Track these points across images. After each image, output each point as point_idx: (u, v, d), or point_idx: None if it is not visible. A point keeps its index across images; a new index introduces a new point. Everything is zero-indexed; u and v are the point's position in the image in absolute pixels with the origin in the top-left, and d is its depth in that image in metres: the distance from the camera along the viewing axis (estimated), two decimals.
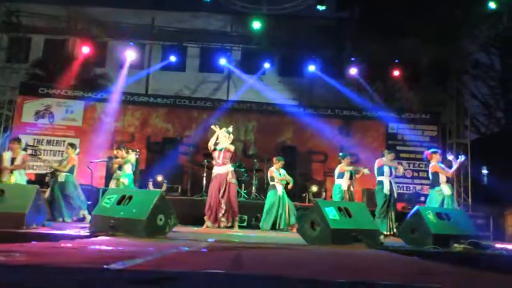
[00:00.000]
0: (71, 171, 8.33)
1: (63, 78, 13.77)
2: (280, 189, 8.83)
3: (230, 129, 8.17)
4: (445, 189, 7.76)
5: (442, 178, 7.81)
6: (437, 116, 13.48)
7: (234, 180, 7.94)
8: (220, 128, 8.06)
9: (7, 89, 12.81)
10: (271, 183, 8.97)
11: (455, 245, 5.19)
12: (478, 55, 16.78)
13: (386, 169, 8.28)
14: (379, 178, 8.32)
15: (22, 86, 12.83)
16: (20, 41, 13.09)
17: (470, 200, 12.17)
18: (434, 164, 8.00)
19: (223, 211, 7.74)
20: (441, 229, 5.61)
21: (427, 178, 12.63)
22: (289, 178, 9.00)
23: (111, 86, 14.04)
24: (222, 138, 7.93)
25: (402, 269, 2.99)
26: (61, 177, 8.24)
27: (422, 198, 11.95)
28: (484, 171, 17.93)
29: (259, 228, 8.77)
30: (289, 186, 8.99)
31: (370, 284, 2.04)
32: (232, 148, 8.02)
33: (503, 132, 19.20)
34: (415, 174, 12.76)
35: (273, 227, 8.58)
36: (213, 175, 7.99)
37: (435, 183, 7.85)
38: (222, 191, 7.71)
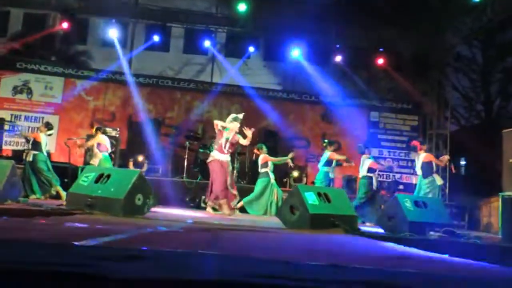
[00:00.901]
0: (39, 149, 8.12)
1: (43, 53, 13.43)
2: (272, 177, 8.83)
3: (241, 115, 7.71)
4: (437, 179, 7.88)
5: (435, 168, 7.90)
6: (419, 106, 13.60)
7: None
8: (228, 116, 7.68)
9: None
10: (262, 170, 8.81)
11: (431, 232, 5.28)
12: (461, 47, 16.97)
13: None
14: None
15: (0, 60, 12.44)
16: None
17: (447, 190, 12.39)
18: (429, 154, 8.08)
19: (237, 198, 7.54)
20: (418, 217, 5.70)
21: (407, 167, 12.89)
22: (282, 158, 9.12)
23: (93, 64, 13.76)
24: (233, 126, 7.48)
25: (377, 253, 3.02)
26: (30, 156, 8.08)
27: (401, 187, 12.11)
28: (462, 162, 18.29)
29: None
30: (291, 165, 9.19)
31: (343, 267, 2.04)
32: (242, 142, 7.63)
33: (483, 124, 19.54)
34: (395, 163, 12.91)
35: (264, 214, 8.59)
36: (212, 159, 7.48)
37: (427, 173, 7.88)
38: (229, 180, 7.39)
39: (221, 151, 7.41)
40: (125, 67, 12.93)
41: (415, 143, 8.40)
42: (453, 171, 8.41)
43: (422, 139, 8.95)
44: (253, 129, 7.67)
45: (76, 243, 1.87)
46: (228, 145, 7.43)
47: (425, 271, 2.05)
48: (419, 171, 8.02)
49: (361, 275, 1.64)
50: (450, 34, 13.47)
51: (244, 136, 7.50)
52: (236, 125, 7.48)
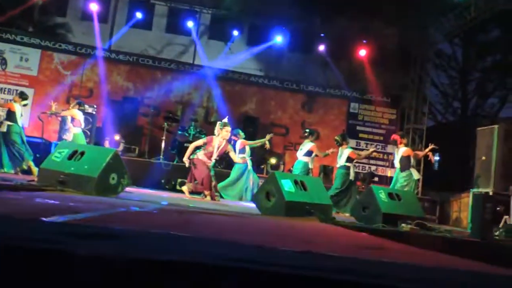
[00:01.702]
0: (13, 119, 7.85)
1: (20, 23, 12.96)
2: (249, 163, 8.80)
3: (226, 119, 7.79)
4: (415, 173, 7.99)
5: (413, 162, 8.01)
6: (398, 100, 13.75)
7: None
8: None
9: None
10: (240, 155, 8.67)
11: (403, 225, 5.36)
12: (442, 44, 17.18)
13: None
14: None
15: None
16: None
17: (420, 184, 12.62)
18: (408, 148, 8.16)
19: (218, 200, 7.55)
20: (391, 209, 5.77)
21: (382, 159, 13.06)
22: (259, 141, 9.11)
23: (72, 37, 13.37)
24: (225, 134, 7.49)
25: (351, 242, 3.03)
26: (4, 127, 7.80)
27: (376, 179, 12.28)
28: (436, 158, 18.63)
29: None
30: (267, 146, 9.04)
31: (319, 254, 2.04)
32: (232, 155, 7.75)
33: (458, 121, 19.94)
34: (371, 155, 13.05)
35: (240, 199, 8.57)
36: (196, 157, 7.41)
37: (405, 167, 7.96)
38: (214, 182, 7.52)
39: (209, 158, 7.40)
40: (98, 42, 12.58)
41: (395, 137, 8.47)
42: (432, 161, 8.51)
43: (403, 133, 9.02)
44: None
45: (44, 219, 1.80)
46: (217, 154, 7.43)
47: (399, 261, 2.07)
48: (397, 164, 8.10)
49: (337, 263, 1.63)
50: (433, 30, 13.58)
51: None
52: (228, 130, 7.50)
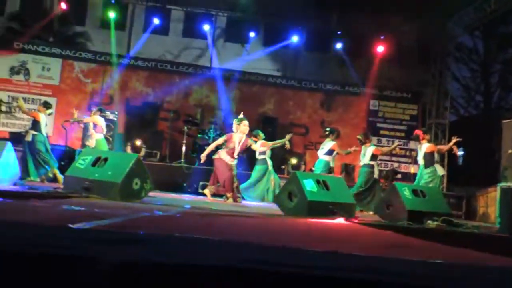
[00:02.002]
0: (38, 129, 8.03)
1: (40, 34, 13.25)
2: (270, 163, 8.78)
3: (241, 115, 7.62)
4: (439, 169, 7.83)
5: (437, 158, 7.86)
6: (419, 95, 13.53)
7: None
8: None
9: None
10: (260, 157, 8.69)
11: (429, 222, 5.27)
12: (463, 37, 16.86)
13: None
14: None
15: None
16: None
17: (445, 180, 12.40)
18: (432, 144, 8.00)
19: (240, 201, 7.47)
20: (416, 206, 5.67)
21: (405, 156, 12.87)
22: (279, 141, 9.03)
23: (91, 46, 13.60)
24: (244, 129, 7.35)
25: (377, 241, 3.00)
26: (29, 136, 7.99)
27: (399, 176, 12.10)
28: (461, 153, 18.28)
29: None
30: (287, 146, 8.97)
31: (343, 254, 2.02)
32: (254, 147, 7.60)
33: (481, 115, 19.54)
34: (394, 151, 12.88)
35: (261, 200, 8.56)
36: (218, 156, 7.31)
37: (429, 163, 7.80)
38: (236, 182, 7.37)
39: (231, 156, 7.25)
40: (113, 49, 12.74)
41: (418, 132, 8.30)
42: (457, 154, 8.30)
43: (426, 129, 8.85)
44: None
45: (71, 225, 1.83)
46: (239, 150, 7.30)
47: (425, 259, 2.03)
48: (421, 161, 7.95)
49: (363, 263, 1.61)
50: (453, 23, 13.33)
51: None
52: (246, 124, 7.39)
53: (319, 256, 1.74)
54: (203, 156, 7.39)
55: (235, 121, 7.55)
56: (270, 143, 8.97)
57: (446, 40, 13.45)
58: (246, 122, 7.44)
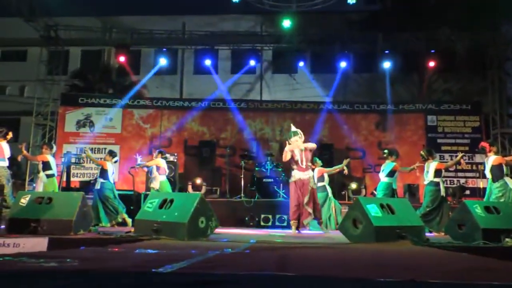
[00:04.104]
0: (106, 177, 8.52)
1: (101, 87, 14.20)
2: (329, 190, 8.73)
3: (293, 128, 7.47)
4: (510, 182, 7.33)
5: (506, 170, 7.39)
6: (479, 105, 12.98)
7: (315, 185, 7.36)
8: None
9: (49, 101, 13.31)
10: (319, 184, 8.60)
11: (507, 239, 4.97)
12: None
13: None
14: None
15: (63, 97, 13.30)
16: (59, 54, 13.55)
17: None
18: (498, 156, 7.54)
19: (311, 216, 7.16)
20: (491, 223, 5.36)
21: (472, 170, 12.26)
22: (337, 167, 8.96)
23: (146, 93, 14.36)
24: (294, 140, 7.21)
25: (453, 266, 2.88)
26: (98, 184, 8.50)
27: (468, 192, 11.53)
28: None
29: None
30: (346, 172, 8.86)
31: (421, 283, 1.97)
32: (310, 146, 7.26)
33: None
34: (459, 167, 12.32)
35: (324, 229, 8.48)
36: (292, 179, 7.21)
37: (497, 176, 7.31)
38: (307, 198, 7.10)
39: (300, 169, 7.15)
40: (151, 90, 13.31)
41: (484, 144, 7.83)
42: None
43: (492, 140, 8.38)
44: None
45: (155, 270, 1.94)
46: (304, 158, 7.12)
47: (506, 282, 1.94)
48: (488, 174, 7.51)
49: None
50: (506, 28, 12.85)
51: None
52: (296, 138, 7.22)
53: (398, 286, 1.72)
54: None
55: (288, 136, 7.44)
56: (328, 170, 8.93)
57: (502, 45, 12.90)
58: (298, 133, 7.26)
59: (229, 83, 14.89)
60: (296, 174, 7.20)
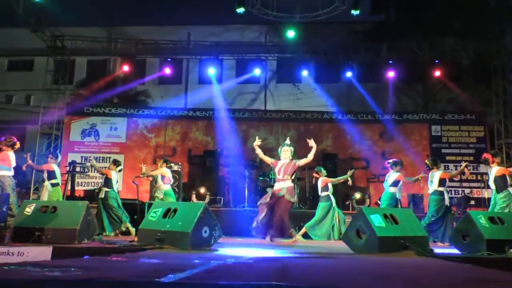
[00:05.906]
0: (110, 186, 8.56)
1: (106, 96, 14.30)
2: (333, 200, 8.72)
3: (288, 141, 7.47)
4: None
5: (510, 181, 7.33)
6: (483, 115, 12.96)
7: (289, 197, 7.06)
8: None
9: (55, 110, 13.41)
10: (323, 193, 8.66)
11: (511, 250, 4.94)
12: None
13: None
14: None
15: (69, 106, 13.39)
16: (65, 64, 13.69)
17: None
18: (501, 167, 7.49)
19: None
20: (495, 234, 5.33)
21: (476, 180, 12.20)
22: (341, 178, 8.95)
23: (151, 102, 14.44)
24: (283, 153, 7.17)
25: (457, 277, 2.87)
26: (102, 193, 8.54)
27: (472, 202, 11.46)
28: None
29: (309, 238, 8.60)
30: (350, 182, 8.83)
31: None
32: (302, 162, 7.18)
33: None
34: (463, 177, 12.26)
35: (328, 238, 8.46)
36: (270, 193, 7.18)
37: (501, 187, 7.24)
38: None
39: (277, 180, 7.09)
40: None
41: (486, 156, 7.79)
42: None
43: (495, 151, 8.32)
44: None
45: (157, 279, 1.95)
46: (282, 171, 7.02)
47: None
48: (492, 185, 7.46)
49: None
50: (510, 36, 12.87)
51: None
52: (286, 149, 7.17)
53: None
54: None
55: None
56: (332, 180, 8.93)
57: (506, 55, 12.90)
58: (286, 148, 7.22)
59: (234, 94, 14.96)
60: (274, 186, 7.19)
